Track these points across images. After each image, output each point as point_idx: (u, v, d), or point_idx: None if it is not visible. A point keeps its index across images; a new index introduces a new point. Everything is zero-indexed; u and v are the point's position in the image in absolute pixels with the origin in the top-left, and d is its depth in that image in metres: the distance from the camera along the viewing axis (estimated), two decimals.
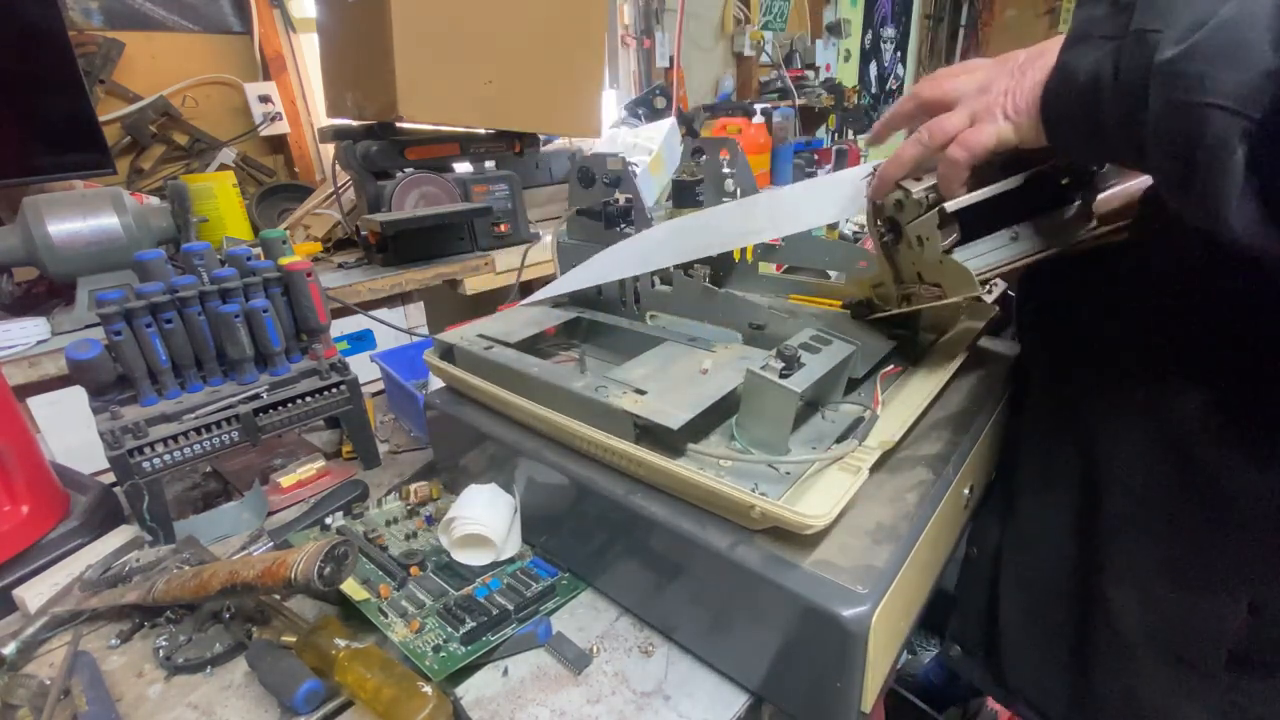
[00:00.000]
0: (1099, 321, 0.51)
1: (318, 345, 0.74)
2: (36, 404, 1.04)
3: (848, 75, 3.72)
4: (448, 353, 0.64)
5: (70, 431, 1.01)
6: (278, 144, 1.86)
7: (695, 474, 0.42)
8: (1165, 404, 0.45)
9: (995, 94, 0.42)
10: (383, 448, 0.82)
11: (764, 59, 3.05)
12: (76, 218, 1.11)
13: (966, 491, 0.54)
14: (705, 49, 2.89)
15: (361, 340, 1.35)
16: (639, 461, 0.46)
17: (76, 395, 0.65)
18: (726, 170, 0.87)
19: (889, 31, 3.99)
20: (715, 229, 0.63)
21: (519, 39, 1.48)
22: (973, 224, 0.48)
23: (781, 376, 0.44)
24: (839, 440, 0.49)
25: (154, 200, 1.48)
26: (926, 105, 0.47)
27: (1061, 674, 0.55)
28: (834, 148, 2.65)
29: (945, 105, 0.45)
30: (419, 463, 0.78)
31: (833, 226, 1.71)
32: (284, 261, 0.70)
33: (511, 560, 0.59)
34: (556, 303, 0.72)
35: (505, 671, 0.49)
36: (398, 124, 1.44)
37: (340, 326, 1.25)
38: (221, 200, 1.53)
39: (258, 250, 0.75)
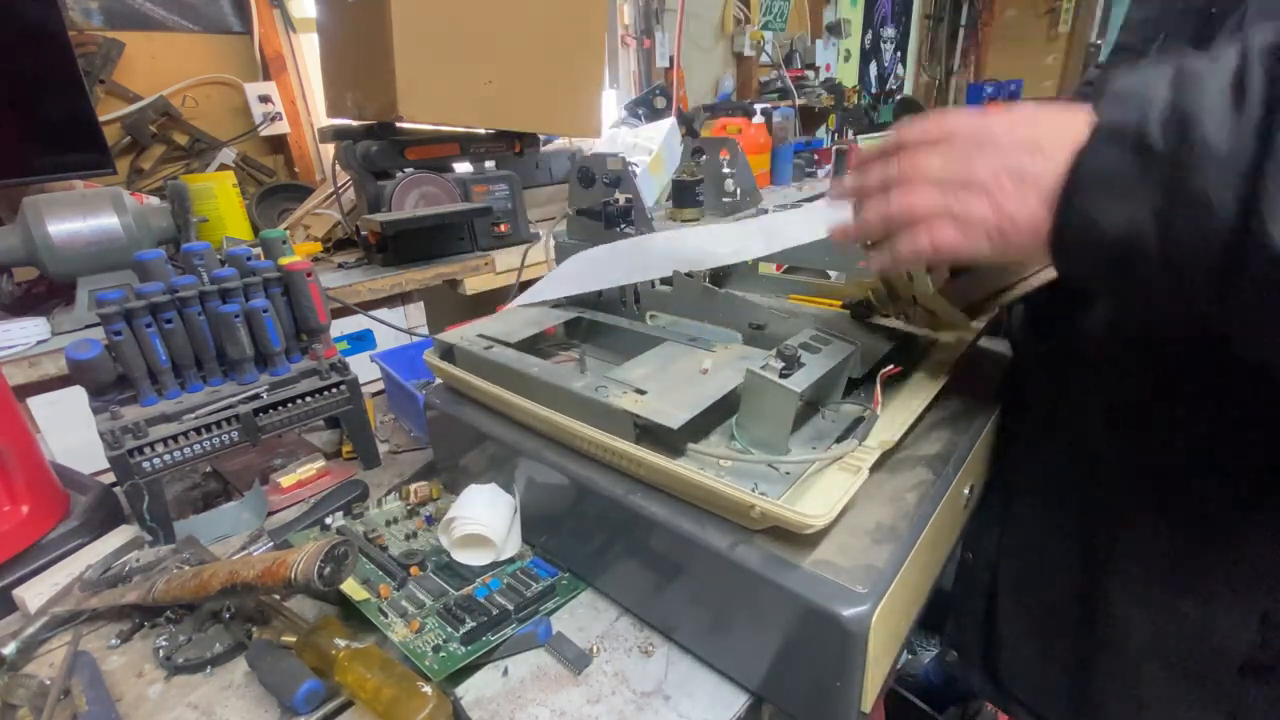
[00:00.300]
0: (1096, 326, 0.51)
1: (318, 345, 0.74)
2: (36, 404, 1.04)
3: (848, 75, 3.72)
4: (448, 353, 0.64)
5: (70, 431, 1.01)
6: (278, 144, 1.86)
7: (695, 474, 0.42)
8: (1166, 408, 0.45)
9: (980, 202, 0.35)
10: (383, 448, 0.82)
11: (764, 59, 3.05)
12: (76, 218, 1.11)
13: (966, 491, 0.54)
14: (705, 49, 2.89)
15: (361, 340, 1.35)
16: (639, 461, 0.46)
17: (76, 395, 0.65)
18: (726, 170, 0.87)
19: (889, 31, 3.99)
20: (710, 251, 0.63)
21: (519, 39, 1.48)
22: None
23: (781, 376, 0.44)
24: (839, 440, 0.49)
25: (154, 200, 1.48)
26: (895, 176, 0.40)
27: (1062, 679, 0.55)
28: (834, 148, 2.65)
29: (920, 174, 0.39)
30: (419, 463, 0.78)
31: None
32: (284, 261, 0.70)
33: (511, 560, 0.59)
34: (556, 303, 0.72)
35: (505, 671, 0.49)
36: (398, 124, 1.44)
37: (340, 326, 1.25)
38: (221, 200, 1.53)
39: (258, 250, 0.75)
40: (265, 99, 1.77)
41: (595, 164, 0.71)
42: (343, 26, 1.49)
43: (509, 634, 0.51)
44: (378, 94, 1.39)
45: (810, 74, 3.12)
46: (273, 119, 1.78)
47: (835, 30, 3.40)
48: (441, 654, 0.49)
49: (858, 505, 0.44)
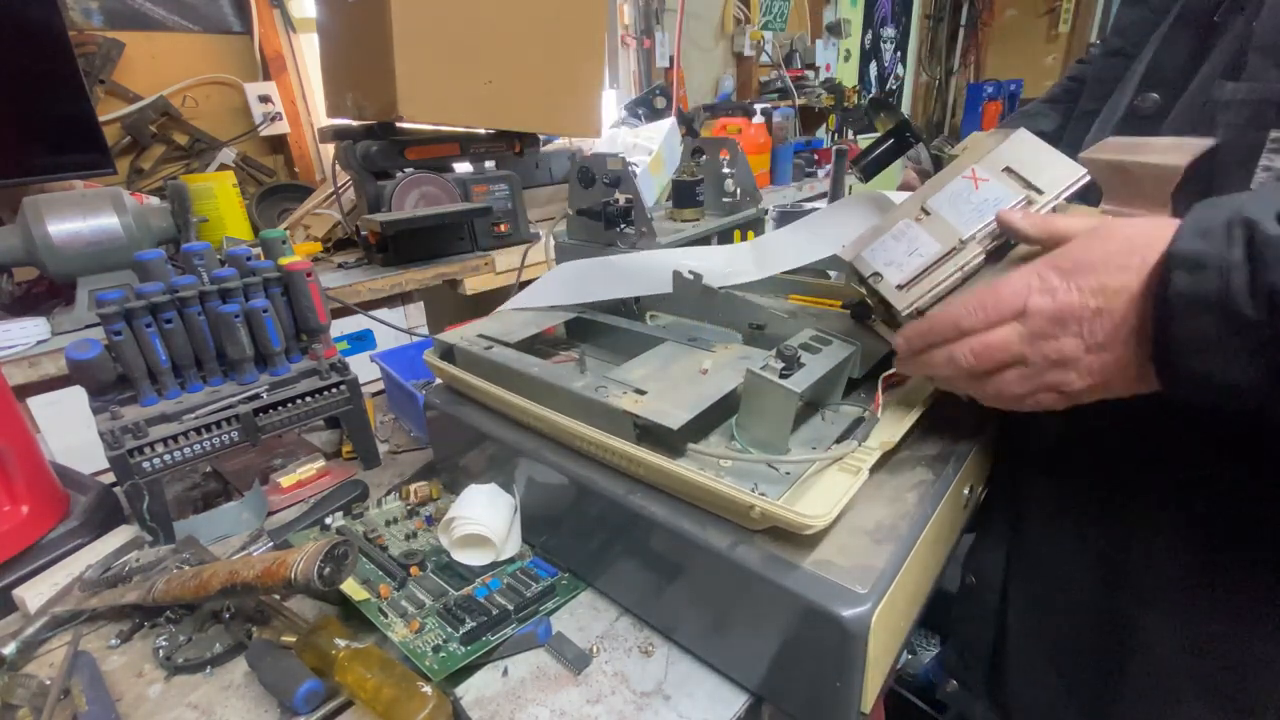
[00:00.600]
0: None
1: (318, 345, 0.74)
2: (36, 404, 1.04)
3: (848, 75, 3.72)
4: (448, 353, 0.64)
5: (70, 431, 1.01)
6: (278, 144, 1.86)
7: (695, 474, 0.42)
8: (1194, 424, 0.43)
9: (1073, 377, 0.37)
10: (383, 448, 0.82)
11: (764, 59, 3.05)
12: (76, 218, 1.11)
13: (966, 492, 0.54)
14: (705, 49, 2.89)
15: (361, 340, 1.35)
16: (639, 461, 0.46)
17: (76, 395, 0.65)
18: (726, 170, 0.88)
19: (889, 31, 3.99)
20: (709, 270, 0.63)
21: (519, 39, 1.48)
22: None
23: (781, 376, 0.44)
24: (839, 440, 0.49)
25: (154, 200, 1.48)
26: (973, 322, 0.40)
27: (1080, 706, 0.53)
28: (834, 148, 2.64)
29: (999, 365, 0.39)
30: (419, 463, 0.78)
31: None
32: (284, 261, 0.70)
33: (511, 560, 0.59)
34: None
35: (505, 671, 0.49)
36: (398, 124, 1.44)
37: (340, 326, 1.25)
38: (221, 200, 1.53)
39: (258, 250, 0.75)
40: (265, 99, 1.77)
41: (595, 164, 0.71)
42: (343, 26, 1.49)
43: (509, 634, 0.51)
44: (378, 94, 1.39)
45: (810, 74, 3.12)
46: (273, 119, 1.78)
47: (835, 30, 3.40)
48: (441, 654, 0.49)
49: (858, 505, 0.44)
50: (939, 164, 0.62)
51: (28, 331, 1.06)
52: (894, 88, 4.22)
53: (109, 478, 0.66)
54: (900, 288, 0.47)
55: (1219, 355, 0.32)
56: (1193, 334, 0.32)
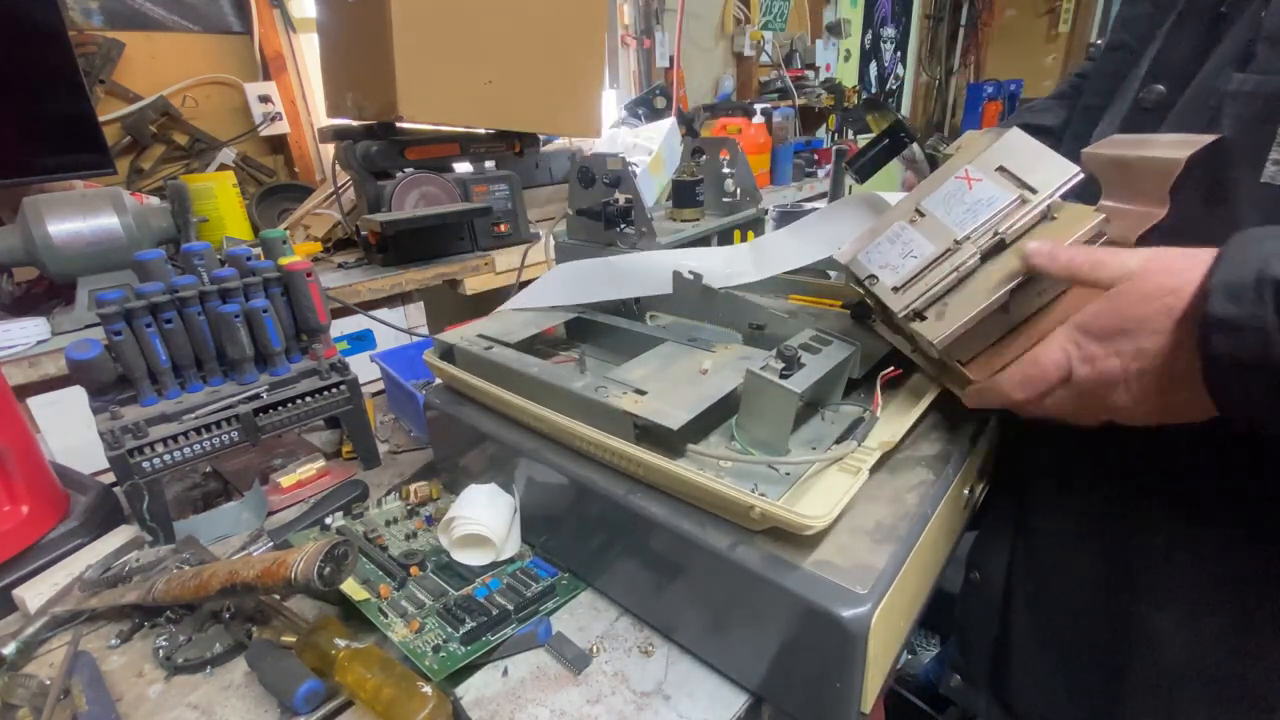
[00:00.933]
0: None
1: (318, 345, 0.74)
2: (36, 404, 1.04)
3: (848, 75, 3.72)
4: (448, 353, 0.64)
5: (70, 431, 1.01)
6: (278, 144, 1.86)
7: (695, 474, 0.42)
8: (1211, 425, 0.42)
9: (1116, 411, 0.39)
10: (383, 448, 0.82)
11: (764, 59, 3.05)
12: (76, 218, 1.11)
13: (966, 492, 0.54)
14: (705, 49, 2.89)
15: (361, 340, 1.35)
16: (639, 462, 0.46)
17: (76, 395, 0.65)
18: (726, 170, 0.88)
19: (889, 31, 3.99)
20: (708, 270, 0.63)
21: (519, 39, 1.48)
22: None
23: (782, 377, 0.44)
24: (839, 441, 0.49)
25: (154, 200, 1.48)
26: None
27: (1084, 702, 0.53)
28: (834, 148, 2.65)
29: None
30: (419, 463, 0.78)
31: None
32: (284, 261, 0.70)
33: (511, 560, 0.59)
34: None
35: (505, 671, 0.49)
36: (398, 124, 1.44)
37: (340, 326, 1.25)
38: (221, 200, 1.53)
39: (258, 250, 0.75)
40: (265, 99, 1.77)
41: (595, 164, 0.71)
42: (343, 26, 1.49)
43: (509, 634, 0.51)
44: (378, 94, 1.39)
45: (810, 74, 3.12)
46: (273, 119, 1.78)
47: (835, 30, 3.40)
48: (441, 654, 0.49)
49: (858, 506, 0.44)
50: (934, 163, 0.62)
51: (28, 331, 1.06)
52: (894, 88, 4.22)
53: (109, 478, 0.66)
54: (896, 290, 0.47)
55: (1271, 406, 0.33)
56: (1241, 395, 0.34)
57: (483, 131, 1.59)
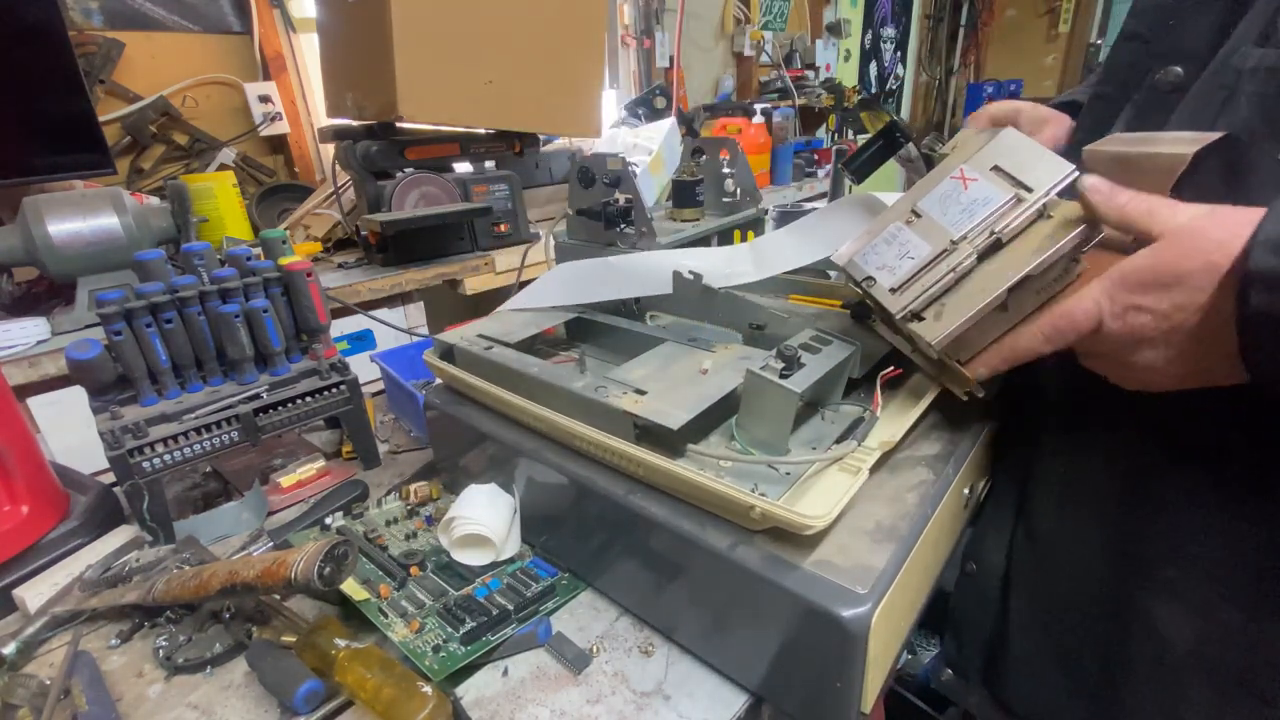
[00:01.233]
0: None
1: (318, 345, 0.74)
2: (36, 404, 1.05)
3: (848, 75, 3.72)
4: (448, 353, 0.64)
5: (70, 431, 1.01)
6: (278, 144, 1.86)
7: (695, 474, 0.42)
8: (1211, 411, 0.42)
9: (1146, 369, 0.38)
10: (383, 448, 0.82)
11: (764, 59, 3.05)
12: (76, 218, 1.11)
13: (966, 492, 0.54)
14: (705, 49, 2.89)
15: (361, 340, 1.35)
16: (639, 462, 0.46)
17: (76, 395, 0.65)
18: (726, 170, 0.88)
19: (889, 31, 3.99)
20: (708, 270, 0.63)
21: (519, 39, 1.48)
22: None
23: (781, 377, 0.44)
24: (839, 441, 0.49)
25: (154, 200, 1.48)
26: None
27: (1082, 696, 0.53)
28: (834, 148, 2.65)
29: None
30: (419, 463, 0.78)
31: None
32: (284, 261, 0.70)
33: (511, 560, 0.59)
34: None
35: (505, 671, 0.49)
36: (398, 124, 1.44)
37: (340, 326, 1.25)
38: (221, 200, 1.53)
39: (258, 250, 0.75)
40: (265, 99, 1.77)
41: (595, 164, 0.71)
42: (343, 26, 1.49)
43: (509, 634, 0.51)
44: (378, 94, 1.39)
45: (810, 74, 3.12)
46: (273, 119, 1.78)
47: (835, 30, 3.40)
48: (441, 654, 0.49)
49: (858, 506, 0.44)
50: (930, 163, 0.62)
51: (28, 331, 1.06)
52: (894, 88, 4.22)
53: (109, 478, 0.66)
54: (893, 291, 0.47)
55: None
56: (1276, 354, 0.33)
57: (483, 131, 1.59)
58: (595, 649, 0.50)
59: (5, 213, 1.31)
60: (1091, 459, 0.51)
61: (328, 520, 0.67)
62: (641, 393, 0.49)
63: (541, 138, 1.78)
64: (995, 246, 0.44)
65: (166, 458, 0.63)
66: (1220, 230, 0.35)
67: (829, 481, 0.43)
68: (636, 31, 2.58)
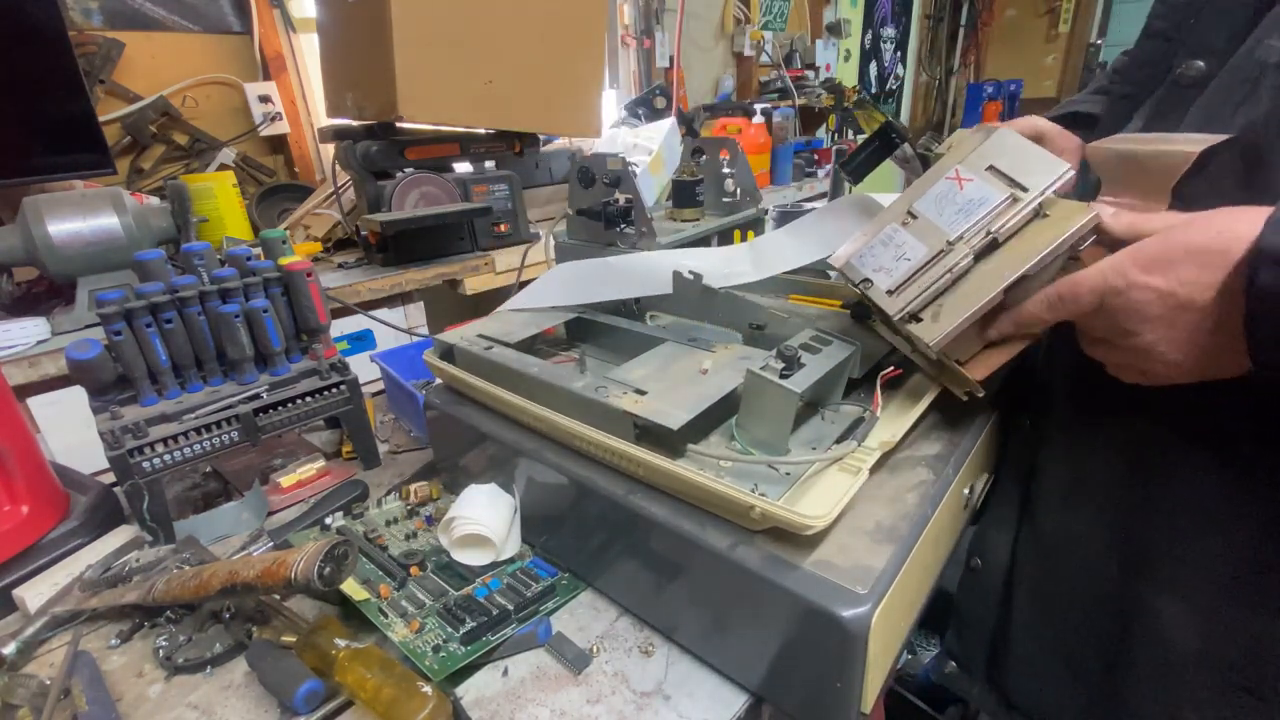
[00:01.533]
0: None
1: (318, 345, 0.74)
2: (36, 404, 1.04)
3: (848, 75, 3.72)
4: (448, 353, 0.64)
5: (70, 431, 1.00)
6: (278, 144, 1.86)
7: (695, 474, 0.42)
8: (1217, 407, 0.42)
9: (1147, 352, 0.38)
10: (383, 448, 0.82)
11: (764, 59, 3.04)
12: (76, 218, 1.11)
13: (966, 492, 0.54)
14: (705, 49, 2.89)
15: (361, 340, 1.35)
16: (639, 462, 0.46)
17: (76, 395, 0.65)
18: (726, 170, 0.88)
19: (889, 31, 3.99)
20: (707, 270, 0.63)
21: (519, 39, 1.48)
22: None
23: (782, 377, 0.44)
24: (839, 441, 0.49)
25: (154, 200, 1.48)
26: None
27: (1084, 693, 0.53)
28: (834, 148, 2.65)
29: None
30: (419, 463, 0.78)
31: None
32: (284, 261, 0.70)
33: (511, 560, 0.59)
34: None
35: (505, 671, 0.49)
36: (398, 124, 1.44)
37: (340, 326, 1.25)
38: (221, 200, 1.53)
39: (258, 250, 0.75)
40: (265, 99, 1.77)
41: (595, 164, 0.71)
42: (343, 26, 1.49)
43: (509, 634, 0.51)
44: (378, 94, 1.39)
45: (810, 74, 3.12)
46: (273, 119, 1.78)
47: (835, 30, 3.40)
48: (441, 654, 0.49)
49: (858, 506, 0.44)
50: (926, 163, 0.63)
51: (28, 331, 1.06)
52: (894, 88, 4.22)
53: (109, 478, 0.66)
54: (890, 293, 0.47)
55: None
56: (1277, 330, 0.33)
57: (483, 131, 1.59)
58: (595, 649, 0.50)
59: (5, 213, 1.31)
60: (1096, 457, 0.51)
61: (328, 520, 0.67)
62: (641, 393, 0.49)
63: (541, 138, 1.77)
64: (992, 246, 0.44)
65: (166, 458, 0.63)
66: (1229, 216, 0.35)
67: (829, 482, 0.43)
68: (636, 31, 2.58)
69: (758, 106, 2.47)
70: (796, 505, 0.40)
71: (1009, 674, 0.59)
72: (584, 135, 1.77)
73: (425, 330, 1.44)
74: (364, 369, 0.79)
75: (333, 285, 1.28)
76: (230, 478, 0.78)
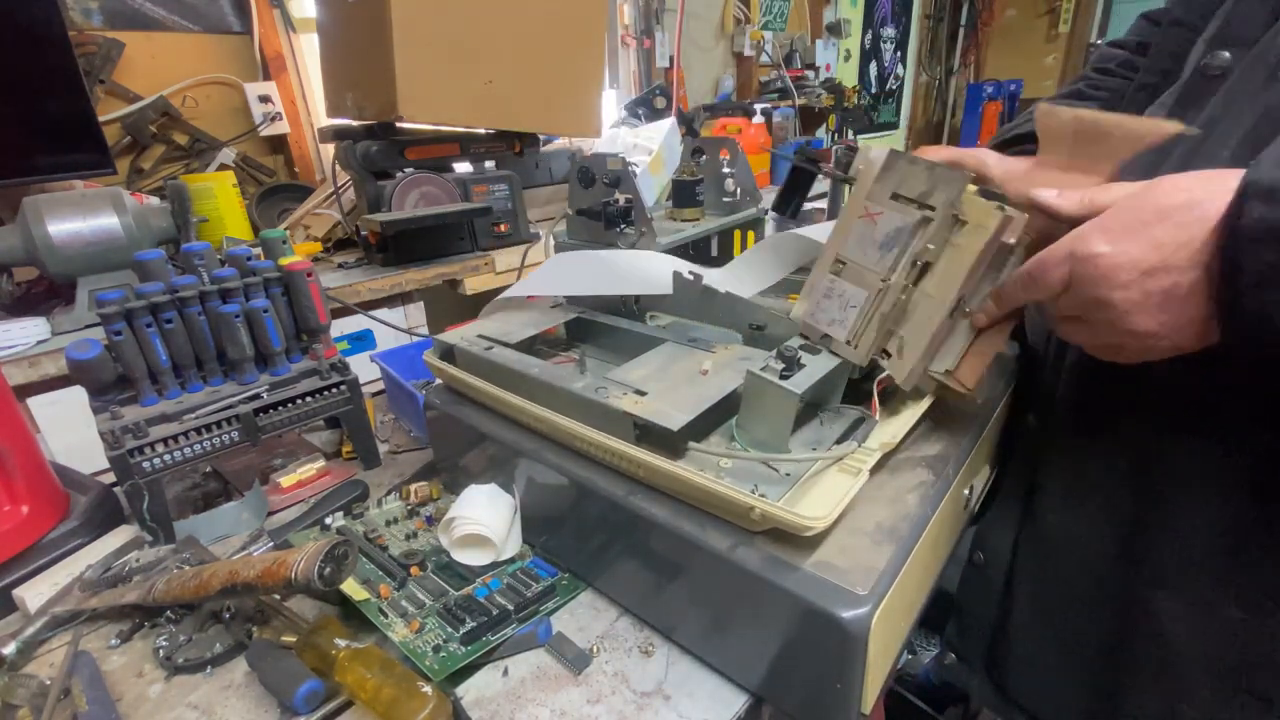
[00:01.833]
0: None
1: (318, 345, 0.74)
2: (36, 404, 1.04)
3: (848, 75, 3.72)
4: (448, 353, 0.64)
5: (70, 431, 1.01)
6: (278, 144, 1.86)
7: (695, 475, 0.42)
8: (1222, 406, 0.42)
9: (1121, 323, 0.36)
10: (383, 448, 0.82)
11: (764, 59, 3.04)
12: (76, 218, 1.11)
13: (966, 492, 0.54)
14: (705, 49, 2.89)
15: (361, 340, 1.35)
16: (639, 462, 0.46)
17: (76, 395, 0.65)
18: (726, 170, 0.88)
19: (889, 31, 3.99)
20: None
21: (519, 39, 1.48)
22: None
23: (782, 377, 0.44)
24: (839, 441, 0.49)
25: (154, 200, 1.48)
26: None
27: (1082, 688, 0.53)
28: (834, 148, 2.65)
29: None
30: (419, 463, 0.78)
31: None
32: (284, 261, 0.70)
33: (511, 560, 0.59)
34: (556, 302, 0.72)
35: (505, 671, 0.49)
36: (398, 124, 1.44)
37: (340, 326, 1.25)
38: (221, 200, 1.53)
39: (258, 250, 0.75)
40: (265, 99, 1.77)
41: (595, 164, 0.71)
42: (343, 26, 1.49)
43: (509, 634, 0.51)
44: (378, 94, 1.39)
45: (810, 74, 3.12)
46: (273, 119, 1.78)
47: (835, 30, 3.40)
48: (441, 654, 0.49)
49: (858, 506, 0.44)
50: (848, 168, 0.64)
51: (28, 331, 1.06)
52: (894, 88, 4.22)
53: (109, 478, 0.66)
54: (849, 343, 0.48)
55: None
56: (1262, 266, 0.31)
57: (483, 131, 1.59)
58: (595, 649, 0.50)
59: (5, 213, 1.31)
60: (1097, 455, 0.52)
61: (328, 520, 0.67)
62: (642, 393, 0.49)
63: (541, 138, 1.78)
64: (925, 270, 0.45)
65: (166, 458, 0.63)
66: (1194, 178, 0.35)
67: (829, 482, 0.43)
68: (636, 31, 2.58)
69: (758, 106, 2.47)
70: (796, 506, 0.40)
71: (1009, 670, 0.59)
72: (584, 135, 1.77)
73: (425, 330, 1.44)
74: (364, 369, 0.79)
75: (333, 285, 1.28)
76: (230, 478, 0.78)
